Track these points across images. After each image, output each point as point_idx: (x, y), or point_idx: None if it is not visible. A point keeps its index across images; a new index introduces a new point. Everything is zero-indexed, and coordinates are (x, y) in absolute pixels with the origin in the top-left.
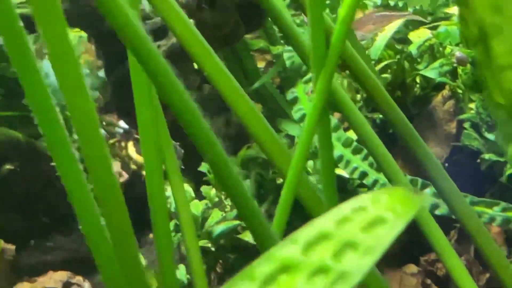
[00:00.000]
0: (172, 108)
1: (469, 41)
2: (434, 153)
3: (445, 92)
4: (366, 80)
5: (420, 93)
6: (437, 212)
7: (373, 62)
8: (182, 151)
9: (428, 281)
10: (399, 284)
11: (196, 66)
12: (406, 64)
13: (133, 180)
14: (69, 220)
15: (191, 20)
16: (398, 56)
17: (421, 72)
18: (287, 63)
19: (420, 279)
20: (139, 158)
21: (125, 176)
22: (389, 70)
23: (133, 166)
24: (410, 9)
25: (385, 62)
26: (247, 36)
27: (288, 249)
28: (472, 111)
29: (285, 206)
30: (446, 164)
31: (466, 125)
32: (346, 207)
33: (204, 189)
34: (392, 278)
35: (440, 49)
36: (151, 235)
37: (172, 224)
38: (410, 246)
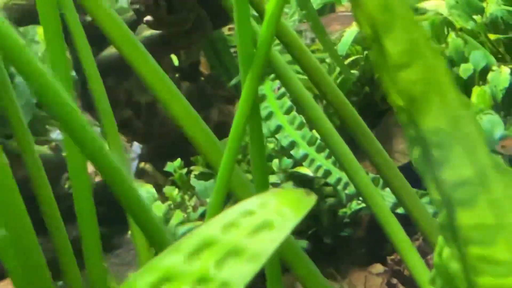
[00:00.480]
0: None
1: (367, 42)
2: (402, 150)
3: None
4: (317, 76)
5: None
6: (398, 211)
7: (341, 57)
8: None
9: (394, 281)
10: (363, 285)
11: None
12: None
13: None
14: (39, 225)
15: (149, 17)
16: (366, 52)
17: None
18: None
19: (386, 279)
20: None
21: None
22: (358, 66)
23: None
24: None
25: (352, 58)
26: (229, 32)
27: (171, 258)
28: None
29: (217, 204)
30: None
31: None
32: (233, 212)
33: (167, 190)
34: (357, 279)
35: None
36: (129, 234)
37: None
38: (378, 245)
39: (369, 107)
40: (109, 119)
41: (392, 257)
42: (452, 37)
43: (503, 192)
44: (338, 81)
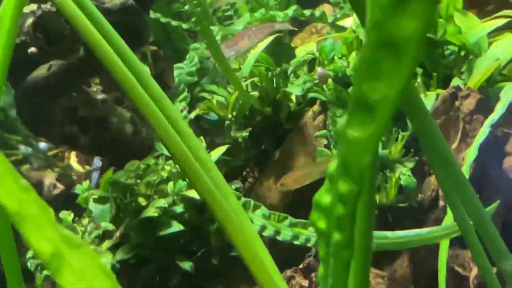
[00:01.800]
0: None
1: None
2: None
3: (316, 107)
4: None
5: (296, 108)
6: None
7: (243, 78)
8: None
9: None
10: None
11: None
12: (279, 80)
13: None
14: None
15: (33, 49)
16: (270, 73)
17: (286, 89)
18: (176, 80)
19: None
20: (81, 168)
21: (60, 187)
22: (259, 87)
23: (74, 177)
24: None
25: (251, 80)
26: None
27: None
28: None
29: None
30: None
31: (324, 141)
32: None
33: (62, 214)
34: None
35: (326, 62)
36: None
37: None
38: None
39: (274, 126)
40: None
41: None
42: (353, 56)
43: (81, 264)
44: (240, 102)
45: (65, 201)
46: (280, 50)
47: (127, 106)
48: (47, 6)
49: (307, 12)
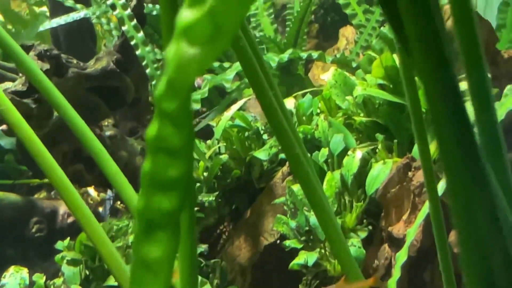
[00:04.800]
0: None
1: None
2: (271, 230)
3: (285, 168)
4: None
5: (269, 167)
6: None
7: (216, 140)
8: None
9: None
10: None
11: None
12: (250, 142)
13: None
14: None
15: (4, 126)
16: (240, 134)
17: (252, 153)
18: None
19: None
20: (97, 195)
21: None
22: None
23: (90, 202)
24: None
25: (223, 144)
26: None
27: None
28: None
29: None
30: (278, 241)
31: (286, 208)
32: None
33: (35, 277)
34: None
35: (304, 118)
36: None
37: None
38: None
39: (245, 185)
40: None
41: None
42: (321, 119)
43: None
44: (210, 164)
45: (79, 230)
46: (291, 80)
47: (140, 136)
48: (13, 89)
49: (303, 54)
